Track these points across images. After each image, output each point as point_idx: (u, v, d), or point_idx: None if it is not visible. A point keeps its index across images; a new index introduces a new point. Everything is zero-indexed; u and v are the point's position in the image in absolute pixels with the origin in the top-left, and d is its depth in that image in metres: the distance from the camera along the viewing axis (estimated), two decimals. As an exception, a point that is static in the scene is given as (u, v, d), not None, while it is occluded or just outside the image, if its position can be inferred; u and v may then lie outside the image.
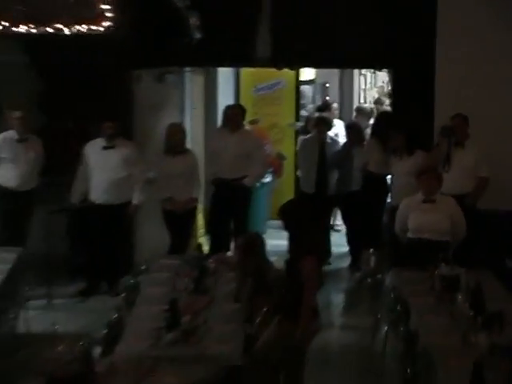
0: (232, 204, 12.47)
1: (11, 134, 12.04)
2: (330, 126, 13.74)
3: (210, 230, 13.03)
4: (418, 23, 12.12)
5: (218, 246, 12.29)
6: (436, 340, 7.59)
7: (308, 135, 14.24)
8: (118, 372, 6.86)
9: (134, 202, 12.01)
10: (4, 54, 12.38)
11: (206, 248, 11.62)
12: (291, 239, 8.04)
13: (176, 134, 12.16)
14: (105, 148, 11.92)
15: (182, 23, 12.16)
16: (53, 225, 12.00)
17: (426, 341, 7.66)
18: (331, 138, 13.62)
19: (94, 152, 11.97)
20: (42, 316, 10.68)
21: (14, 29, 11.77)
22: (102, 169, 11.93)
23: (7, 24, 11.75)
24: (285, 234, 8.19)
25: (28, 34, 11.86)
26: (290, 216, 8.15)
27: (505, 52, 11.98)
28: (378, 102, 17.52)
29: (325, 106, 15.74)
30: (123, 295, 9.25)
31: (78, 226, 12.55)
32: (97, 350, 7.54)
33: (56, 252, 12.01)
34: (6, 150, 11.99)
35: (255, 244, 8.30)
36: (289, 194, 15.14)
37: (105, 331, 8.13)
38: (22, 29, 11.78)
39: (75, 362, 6.49)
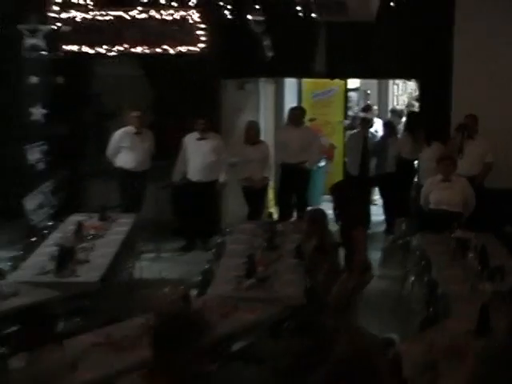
0: (295, 182, 12.43)
1: (130, 128, 12.07)
2: (371, 124, 13.64)
3: (278, 202, 13.00)
4: (438, 44, 11.97)
5: (284, 214, 12.28)
6: (451, 287, 7.55)
7: (354, 130, 14.13)
8: (209, 308, 6.90)
9: (221, 180, 12.03)
10: (125, 68, 12.51)
11: (275, 216, 11.60)
12: (338, 211, 8.02)
13: (253, 129, 12.15)
14: (199, 139, 11.93)
15: (258, 44, 12.12)
16: (161, 197, 12.09)
17: (443, 288, 7.61)
18: (371, 133, 13.50)
19: (191, 142, 11.98)
20: (152, 266, 10.78)
21: (132, 50, 11.85)
22: (196, 155, 11.92)
23: (128, 46, 11.83)
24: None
25: (143, 54, 11.94)
26: (338, 193, 8.14)
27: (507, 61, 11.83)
28: (408, 105, 17.35)
29: (367, 108, 15.60)
30: (213, 250, 9.29)
31: (179, 197, 12.59)
32: (193, 292, 7.61)
33: (163, 217, 12.10)
34: (126, 141, 12.02)
35: (319, 217, 8.28)
36: (338, 175, 15.04)
37: (199, 278, 8.19)
38: (139, 50, 11.85)
39: (177, 301, 6.54)
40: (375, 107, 16.21)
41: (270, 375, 6.79)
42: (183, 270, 10.54)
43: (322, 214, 8.36)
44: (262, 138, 12.62)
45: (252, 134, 12.06)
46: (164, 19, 11.70)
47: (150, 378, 3.58)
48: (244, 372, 6.78)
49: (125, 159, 12.08)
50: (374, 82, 17.42)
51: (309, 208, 9.38)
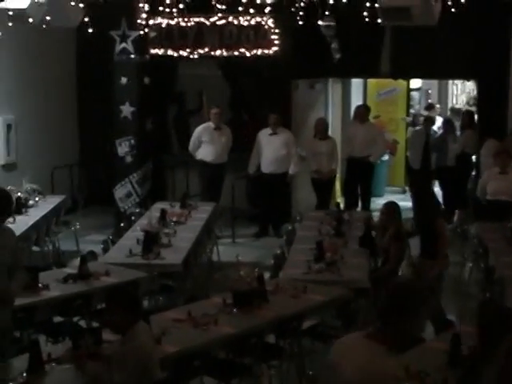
0: (360, 175, 12.30)
1: (209, 124, 12.12)
2: (433, 122, 13.41)
3: (344, 192, 12.90)
4: (495, 45, 11.70)
5: (350, 204, 12.18)
6: (507, 273, 7.40)
7: (416, 127, 13.96)
8: (282, 289, 6.89)
9: (291, 172, 11.99)
10: (206, 69, 12.58)
11: (341, 205, 11.52)
12: (418, 205, 8.05)
13: (321, 125, 12.10)
14: (271, 134, 11.91)
15: (327, 47, 12.05)
16: (237, 187, 12.12)
17: (500, 273, 7.47)
18: (433, 130, 13.28)
19: (264, 137, 11.96)
20: (229, 250, 10.77)
21: (212, 53, 11.92)
22: (268, 148, 11.89)
23: (208, 49, 11.90)
24: (396, 196, 8.16)
25: (222, 57, 12.00)
26: (417, 189, 8.15)
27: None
28: (468, 103, 17.01)
29: (430, 107, 15.35)
30: (284, 237, 9.28)
31: (253, 188, 12.62)
32: (266, 274, 7.60)
33: (238, 206, 12.14)
34: (206, 135, 12.06)
35: (395, 208, 8.24)
36: (400, 169, 14.90)
37: (272, 261, 8.18)
38: (218, 52, 11.91)
39: (253, 282, 6.55)
40: (438, 106, 15.95)
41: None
42: (257, 254, 10.54)
43: (397, 205, 8.36)
44: (330, 133, 12.55)
45: (321, 129, 12.01)
46: (241, 25, 11.73)
47: (373, 338, 3.67)
48: (312, 347, 6.77)
49: (205, 152, 12.12)
50: (434, 82, 17.17)
51: (385, 201, 9.28)
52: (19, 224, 9.05)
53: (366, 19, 9.85)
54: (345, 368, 3.72)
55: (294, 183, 12.42)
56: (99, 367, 4.89)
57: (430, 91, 17.41)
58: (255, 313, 6.34)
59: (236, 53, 11.83)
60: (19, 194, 10.27)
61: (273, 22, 11.65)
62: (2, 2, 9.34)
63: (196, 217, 9.94)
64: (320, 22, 11.26)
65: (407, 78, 14.44)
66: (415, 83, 16.43)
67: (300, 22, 10.92)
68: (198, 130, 12.19)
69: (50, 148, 12.88)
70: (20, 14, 9.36)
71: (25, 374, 4.87)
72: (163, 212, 9.60)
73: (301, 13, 10.86)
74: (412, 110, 16.40)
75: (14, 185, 10.52)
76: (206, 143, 12.10)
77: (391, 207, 8.32)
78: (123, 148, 12.01)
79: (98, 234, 10.96)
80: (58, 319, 7.05)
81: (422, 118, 14.26)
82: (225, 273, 7.30)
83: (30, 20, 9.48)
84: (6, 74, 12.03)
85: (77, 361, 4.98)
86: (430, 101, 16.65)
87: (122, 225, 9.66)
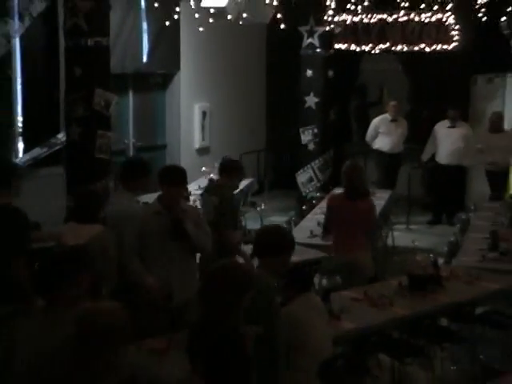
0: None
1: (386, 116, 12.04)
2: None
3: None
4: None
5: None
6: None
7: None
8: (455, 276, 6.73)
9: (465, 164, 11.68)
10: (387, 64, 12.49)
11: (515, 197, 11.05)
12: None
13: (495, 119, 11.63)
14: (449, 127, 11.65)
15: (506, 43, 11.59)
16: (412, 176, 11.96)
17: None
18: None
19: (441, 129, 11.70)
20: (403, 235, 10.66)
21: (393, 48, 11.80)
22: (446, 141, 11.62)
23: (389, 44, 11.78)
24: None
25: (402, 52, 11.85)
26: None
27: None
28: None
29: None
30: (458, 225, 9.05)
31: (428, 177, 12.42)
32: (440, 261, 7.43)
33: (413, 194, 11.97)
34: (383, 127, 11.99)
35: None
36: None
37: (446, 248, 8.01)
38: (399, 48, 11.76)
39: (428, 267, 6.45)
40: None
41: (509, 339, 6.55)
42: (430, 241, 10.30)
43: None
44: (506, 126, 12.05)
45: (495, 123, 11.55)
46: (423, 21, 11.52)
47: None
48: (484, 333, 6.58)
49: (381, 143, 12.07)
50: None
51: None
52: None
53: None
54: None
55: (469, 174, 12.07)
56: None
57: None
58: (430, 297, 6.22)
59: (416, 48, 11.64)
60: (211, 175, 10.60)
61: (454, 19, 11.34)
62: (204, 1, 9.69)
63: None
64: (502, 19, 10.86)
65: None
66: None
67: (482, 19, 10.61)
68: (375, 121, 12.16)
69: (239, 134, 13.22)
70: (220, 12, 9.68)
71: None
72: (343, 197, 9.59)
73: (482, 9, 10.54)
74: None
75: (207, 167, 10.90)
76: (382, 134, 12.03)
77: None
78: (306, 136, 12.10)
79: (280, 216, 11.16)
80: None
81: None
82: (401, 257, 7.22)
83: (229, 17, 9.78)
84: (204, 66, 12.46)
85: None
86: None
87: (303, 208, 9.78)
